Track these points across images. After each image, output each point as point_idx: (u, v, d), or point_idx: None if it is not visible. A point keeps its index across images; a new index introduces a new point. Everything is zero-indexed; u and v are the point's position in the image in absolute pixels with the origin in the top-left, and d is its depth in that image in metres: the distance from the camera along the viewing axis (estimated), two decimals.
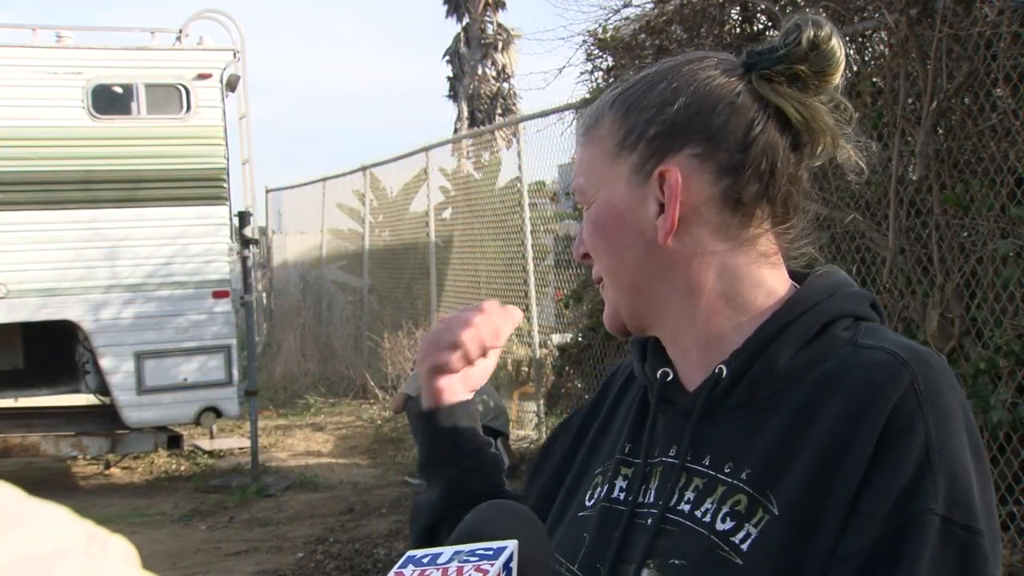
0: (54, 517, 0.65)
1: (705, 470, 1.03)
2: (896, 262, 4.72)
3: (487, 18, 25.61)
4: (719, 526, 1.00)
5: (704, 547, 1.00)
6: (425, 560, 0.94)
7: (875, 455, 0.93)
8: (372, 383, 11.26)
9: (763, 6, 5.63)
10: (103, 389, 8.14)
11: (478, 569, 0.91)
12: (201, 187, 7.98)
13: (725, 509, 1.00)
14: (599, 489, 1.13)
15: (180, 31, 8.35)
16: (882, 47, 4.99)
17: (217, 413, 8.13)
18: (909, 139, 4.68)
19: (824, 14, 5.21)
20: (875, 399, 0.95)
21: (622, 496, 1.10)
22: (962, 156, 4.49)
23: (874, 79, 4.88)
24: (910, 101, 4.69)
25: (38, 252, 7.59)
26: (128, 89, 7.89)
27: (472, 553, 0.94)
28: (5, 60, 7.55)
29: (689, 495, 1.04)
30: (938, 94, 4.45)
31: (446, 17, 25.95)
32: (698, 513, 1.02)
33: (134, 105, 7.90)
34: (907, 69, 4.61)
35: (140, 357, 7.81)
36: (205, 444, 9.08)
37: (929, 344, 4.57)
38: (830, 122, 1.10)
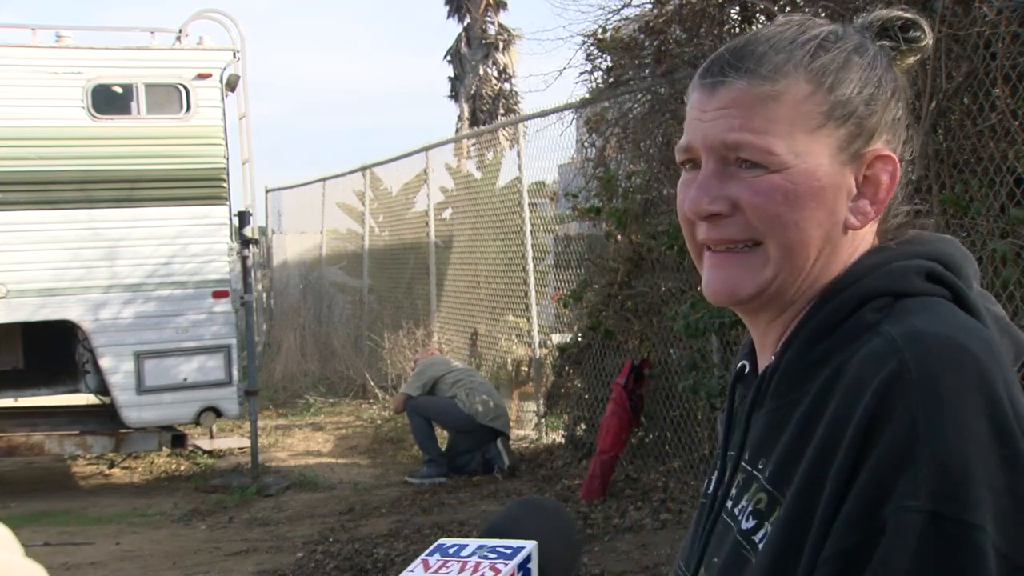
0: None
1: (745, 466, 1.04)
2: None
3: (488, 18, 25.61)
4: (744, 525, 1.00)
5: (732, 545, 1.00)
6: (451, 550, 0.96)
7: (860, 452, 0.89)
8: (372, 383, 11.26)
9: (762, 6, 5.63)
10: (103, 389, 8.14)
11: (492, 568, 0.93)
12: (201, 187, 7.98)
13: (750, 508, 1.00)
14: (706, 481, 1.15)
15: (180, 31, 8.35)
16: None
17: (217, 413, 8.13)
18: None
19: (824, 14, 5.23)
20: (860, 395, 0.90)
21: (710, 490, 1.12)
22: (961, 156, 4.49)
23: None
24: (909, 101, 4.69)
25: (38, 252, 7.59)
26: (128, 89, 7.89)
27: (493, 550, 0.95)
28: (5, 60, 7.55)
29: (734, 491, 1.05)
30: (937, 94, 4.45)
31: (447, 17, 25.97)
32: (736, 511, 1.03)
33: (134, 105, 7.90)
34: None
35: (140, 357, 7.81)
36: (205, 444, 9.07)
37: None
38: None
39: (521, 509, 1.02)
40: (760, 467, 1.00)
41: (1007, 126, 4.24)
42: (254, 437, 8.30)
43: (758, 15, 5.87)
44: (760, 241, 1.01)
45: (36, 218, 7.60)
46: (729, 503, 1.04)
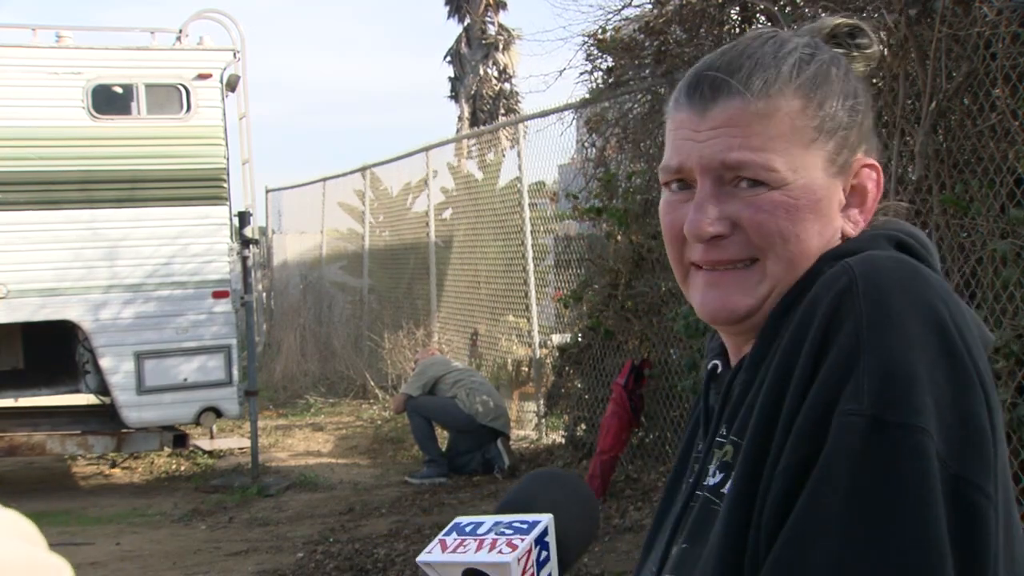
0: None
1: (722, 439, 1.05)
2: None
3: (488, 18, 25.62)
4: (709, 481, 1.02)
5: (700, 506, 1.03)
6: (468, 528, 0.96)
7: (814, 368, 0.90)
8: (372, 383, 11.26)
9: (762, 6, 5.63)
10: (103, 389, 8.14)
11: (509, 543, 0.93)
12: (201, 187, 7.98)
13: (717, 464, 1.02)
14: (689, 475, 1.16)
15: (180, 31, 8.35)
16: (881, 47, 4.98)
17: (217, 413, 8.13)
18: (908, 139, 4.68)
19: (823, 14, 5.21)
20: (815, 312, 0.92)
21: (692, 480, 1.12)
22: (961, 156, 4.49)
23: (873, 79, 4.88)
24: (909, 101, 4.69)
25: (38, 252, 7.59)
26: (128, 89, 7.89)
27: (509, 525, 0.95)
28: (5, 60, 7.55)
29: (711, 468, 1.05)
30: (937, 94, 4.45)
31: (447, 18, 25.99)
32: (710, 482, 1.04)
33: (134, 105, 7.90)
34: (906, 69, 4.61)
35: (140, 357, 7.81)
36: (205, 444, 9.08)
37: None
38: None
39: (536, 482, 1.03)
40: (725, 432, 1.03)
41: (1007, 126, 4.24)
42: (254, 437, 8.30)
43: (758, 15, 5.87)
44: (757, 258, 1.02)
45: (36, 218, 7.60)
46: (710, 480, 1.05)
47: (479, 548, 0.93)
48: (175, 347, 7.90)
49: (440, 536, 0.97)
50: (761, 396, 0.94)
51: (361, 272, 13.45)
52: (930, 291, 0.91)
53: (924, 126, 4.53)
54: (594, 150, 7.26)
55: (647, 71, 6.29)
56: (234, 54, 8.17)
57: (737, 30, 5.94)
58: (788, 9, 5.48)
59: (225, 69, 8.09)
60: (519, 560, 0.92)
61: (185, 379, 7.95)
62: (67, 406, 9.15)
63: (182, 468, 8.79)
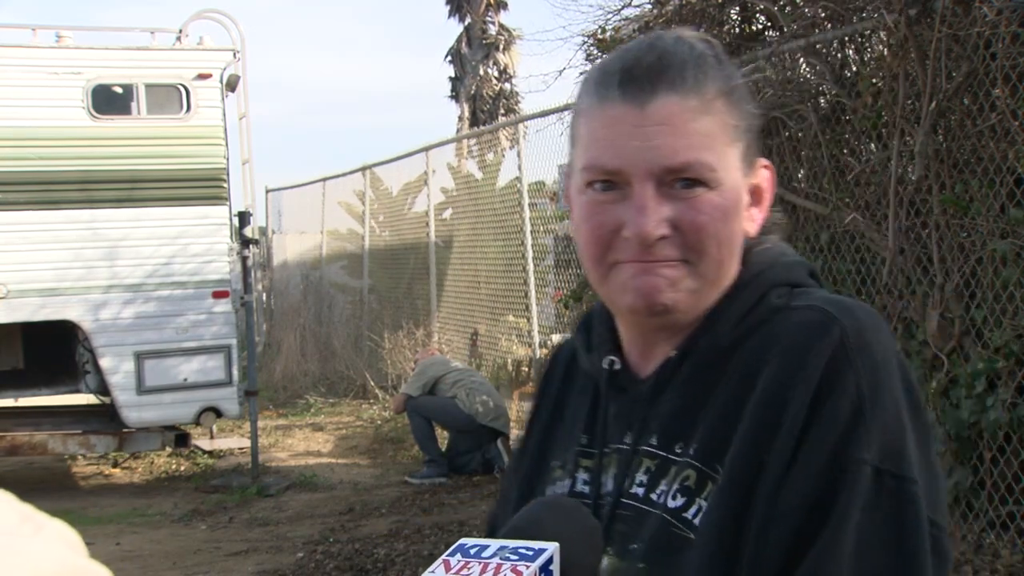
0: None
1: (654, 450, 1.05)
2: (896, 262, 4.72)
3: (489, 18, 25.62)
4: (671, 503, 1.01)
5: (658, 527, 1.01)
6: (473, 551, 0.96)
7: (810, 412, 0.94)
8: (372, 383, 11.26)
9: (762, 6, 5.63)
10: (103, 389, 8.14)
11: (514, 570, 0.92)
12: (201, 187, 7.98)
13: (676, 486, 1.01)
14: (560, 483, 1.14)
15: (180, 31, 8.35)
16: (881, 47, 4.99)
17: (217, 413, 8.13)
18: (908, 139, 4.68)
19: (823, 14, 5.22)
20: (807, 357, 0.96)
21: (586, 489, 1.10)
22: (961, 156, 4.49)
23: (873, 79, 4.88)
24: (909, 101, 4.69)
25: (38, 252, 7.59)
26: (128, 89, 7.89)
27: (515, 551, 0.94)
28: (5, 60, 7.55)
29: (641, 478, 1.05)
30: (937, 94, 4.45)
31: (448, 17, 25.98)
32: (653, 496, 1.03)
33: (134, 105, 7.90)
34: (906, 69, 4.61)
35: (140, 357, 7.81)
36: (205, 444, 9.08)
37: (929, 344, 4.57)
38: None
39: (544, 509, 1.02)
40: (678, 451, 1.02)
41: (1007, 126, 4.24)
42: (254, 437, 8.30)
43: (758, 15, 5.87)
44: (689, 259, 1.02)
45: (36, 218, 7.60)
46: (639, 490, 1.04)
47: (484, 571, 0.93)
48: (175, 347, 7.90)
49: (444, 556, 0.96)
50: (746, 434, 0.97)
51: (361, 272, 13.45)
52: (892, 342, 1.00)
53: (924, 126, 4.52)
54: None
55: None
56: (234, 54, 8.17)
57: (737, 30, 5.94)
58: (788, 9, 5.48)
59: (225, 69, 8.09)
60: None
61: (185, 379, 7.95)
62: (69, 406, 9.15)
63: (182, 468, 8.79)
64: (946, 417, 4.44)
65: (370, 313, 12.96)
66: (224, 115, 8.10)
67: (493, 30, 25.63)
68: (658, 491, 1.03)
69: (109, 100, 7.85)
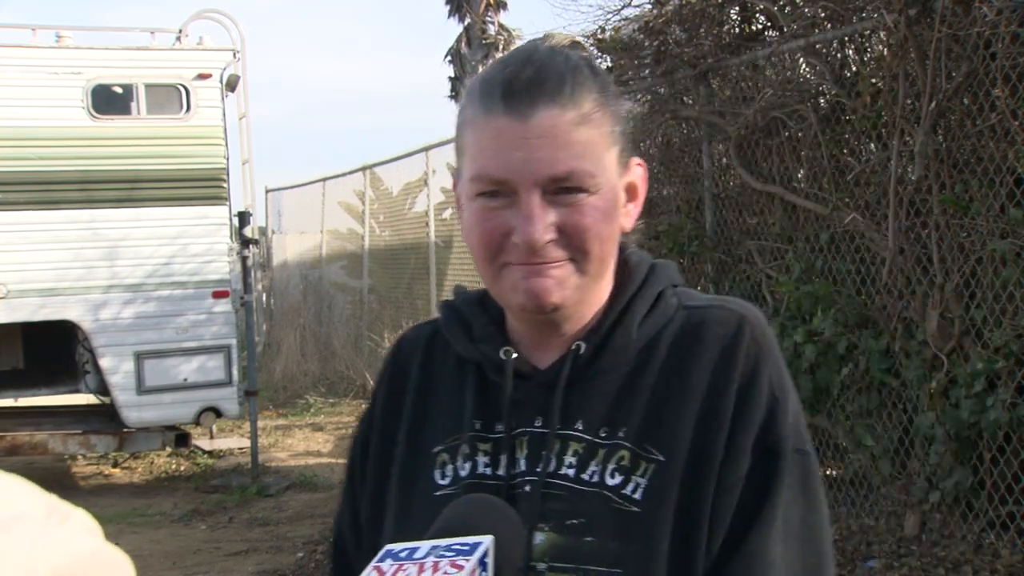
0: (17, 489, 0.71)
1: (581, 435, 1.13)
2: (896, 262, 4.72)
3: (488, 18, 25.60)
4: (609, 481, 1.10)
5: (599, 503, 1.10)
6: (403, 554, 0.95)
7: (738, 398, 1.10)
8: (372, 383, 11.23)
9: (762, 6, 5.63)
10: (103, 389, 8.14)
11: (453, 564, 0.92)
12: (201, 187, 7.98)
13: (612, 466, 1.11)
14: (451, 467, 1.17)
15: (180, 31, 8.35)
16: (881, 47, 4.99)
17: (217, 413, 8.12)
18: (908, 139, 4.68)
19: (823, 14, 5.22)
20: (732, 351, 1.12)
21: (489, 471, 1.15)
22: (961, 156, 4.49)
23: (873, 79, 4.88)
24: (909, 101, 4.69)
25: (38, 252, 7.59)
26: (128, 89, 7.89)
27: (449, 548, 0.95)
28: (5, 60, 7.55)
29: (570, 460, 1.12)
30: (937, 94, 4.45)
31: (448, 17, 25.93)
32: (585, 476, 1.11)
33: (134, 105, 7.90)
34: (906, 69, 4.61)
35: (140, 357, 7.81)
36: (205, 444, 9.08)
37: (929, 344, 4.57)
38: None
39: (470, 506, 1.04)
40: (603, 435, 1.12)
41: (1007, 126, 4.24)
42: (254, 437, 8.30)
43: (758, 15, 5.87)
44: (575, 258, 1.10)
45: (36, 218, 7.60)
46: (569, 471, 1.12)
47: (421, 571, 0.93)
48: (175, 347, 7.90)
49: (374, 563, 0.95)
50: (687, 421, 1.10)
51: (361, 272, 13.45)
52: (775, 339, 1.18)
53: (924, 126, 4.52)
54: None
55: (647, 71, 6.29)
56: (234, 54, 8.17)
57: (736, 30, 5.94)
58: (788, 9, 5.48)
59: (225, 69, 8.08)
60: None
61: (185, 379, 7.95)
62: (69, 406, 9.14)
63: (182, 468, 8.79)
64: (946, 417, 4.44)
65: (370, 313, 12.96)
66: (224, 115, 8.10)
67: (493, 30, 25.63)
68: (589, 471, 1.11)
69: (109, 100, 7.85)
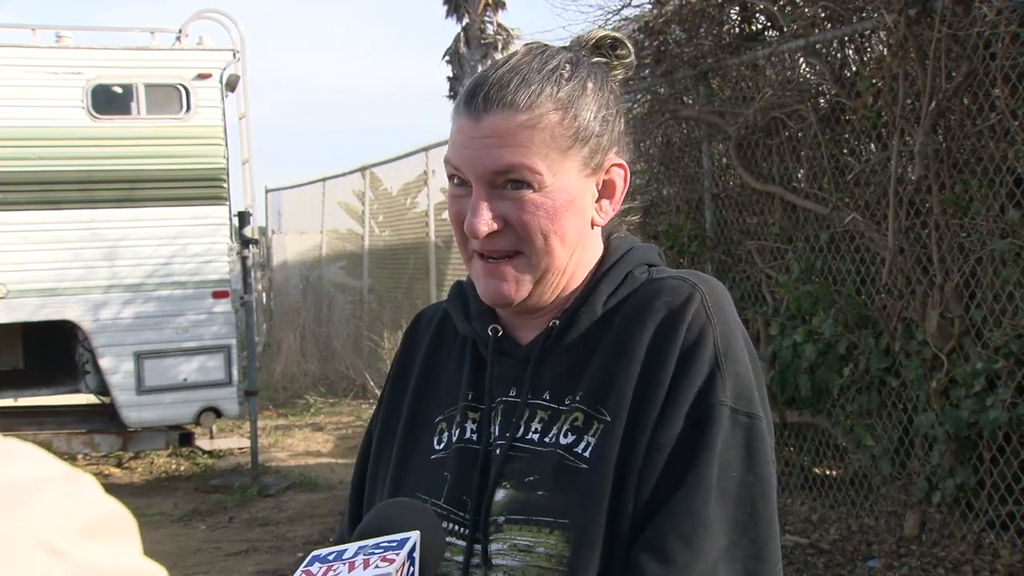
0: (38, 454, 0.76)
1: (547, 403, 1.23)
2: (895, 262, 4.72)
3: (487, 18, 25.59)
4: (563, 441, 1.20)
5: (553, 461, 1.19)
6: (331, 557, 0.97)
7: (679, 363, 1.17)
8: (372, 383, 11.26)
9: (762, 6, 5.63)
10: (103, 389, 8.14)
11: (384, 559, 0.94)
12: (201, 187, 7.98)
13: (566, 427, 1.20)
14: (447, 433, 1.29)
15: (180, 31, 8.35)
16: (881, 47, 4.99)
17: (217, 413, 8.13)
18: (908, 139, 4.68)
19: (823, 14, 5.22)
20: (677, 317, 1.19)
21: (474, 437, 1.27)
22: (961, 156, 4.49)
23: (873, 79, 4.88)
24: (909, 101, 4.69)
25: (38, 252, 7.59)
26: (128, 89, 7.89)
27: (377, 546, 0.97)
28: (5, 60, 7.55)
29: (536, 426, 1.23)
30: (937, 94, 4.45)
31: (446, 17, 25.88)
32: (547, 439, 1.21)
33: (134, 105, 7.90)
34: (906, 69, 4.61)
35: (140, 357, 7.81)
36: (205, 444, 9.08)
37: (929, 343, 4.57)
38: None
39: (391, 508, 1.09)
40: (567, 402, 1.21)
41: (1007, 126, 4.24)
42: (254, 437, 8.30)
43: (758, 15, 5.87)
44: (522, 251, 1.20)
45: (36, 218, 7.60)
46: (534, 436, 1.22)
47: (351, 570, 0.94)
48: (175, 347, 7.90)
49: (302, 568, 0.96)
50: (630, 382, 1.18)
51: (361, 272, 13.45)
52: (734, 307, 1.23)
53: (924, 126, 4.53)
54: None
55: (647, 71, 6.29)
56: (234, 54, 8.17)
57: (736, 30, 5.94)
58: (788, 9, 5.48)
59: (225, 69, 8.08)
60: (397, 572, 0.93)
61: (185, 379, 7.95)
62: (72, 405, 9.15)
63: (182, 468, 8.79)
64: (946, 417, 4.44)
65: (370, 313, 12.96)
66: (224, 115, 8.09)
67: (491, 30, 25.62)
68: (551, 435, 1.21)
69: (109, 100, 7.85)
